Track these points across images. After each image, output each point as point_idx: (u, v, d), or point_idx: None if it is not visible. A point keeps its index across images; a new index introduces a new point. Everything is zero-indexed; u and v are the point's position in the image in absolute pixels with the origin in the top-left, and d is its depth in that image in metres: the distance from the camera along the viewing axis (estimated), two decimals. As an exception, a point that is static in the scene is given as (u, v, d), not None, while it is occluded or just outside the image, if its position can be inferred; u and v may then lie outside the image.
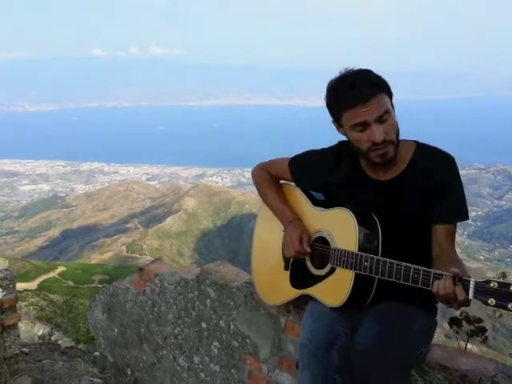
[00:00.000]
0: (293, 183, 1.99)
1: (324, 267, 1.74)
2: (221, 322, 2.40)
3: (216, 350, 2.46)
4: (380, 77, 1.61)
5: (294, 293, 1.87)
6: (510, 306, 1.23)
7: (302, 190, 1.95)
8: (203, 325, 2.51)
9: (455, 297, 1.33)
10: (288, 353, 2.11)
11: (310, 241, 1.80)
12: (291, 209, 1.92)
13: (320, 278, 1.75)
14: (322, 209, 1.82)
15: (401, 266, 1.47)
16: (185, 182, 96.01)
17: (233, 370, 2.38)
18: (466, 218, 1.66)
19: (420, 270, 1.42)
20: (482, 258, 60.00)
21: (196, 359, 2.59)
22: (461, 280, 1.33)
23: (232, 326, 2.35)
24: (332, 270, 1.70)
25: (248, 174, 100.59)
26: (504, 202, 78.15)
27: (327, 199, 1.87)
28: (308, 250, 1.78)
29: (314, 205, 1.87)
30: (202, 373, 2.57)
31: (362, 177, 1.74)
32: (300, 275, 1.85)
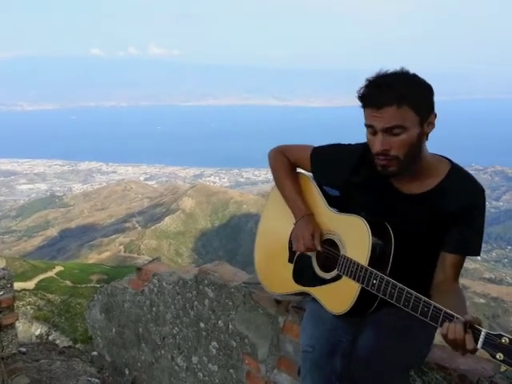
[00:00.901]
0: (310, 174, 1.90)
1: (329, 270, 1.71)
2: (219, 321, 2.40)
3: (214, 350, 2.46)
4: (415, 87, 1.50)
5: (296, 288, 1.85)
6: None
7: (318, 185, 1.87)
8: (201, 325, 2.50)
9: (463, 343, 1.29)
10: (286, 353, 2.10)
11: (321, 240, 1.76)
12: (305, 203, 1.85)
13: (325, 281, 1.72)
14: (337, 211, 1.76)
15: (411, 294, 1.42)
16: (183, 181, 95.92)
17: (231, 370, 2.38)
18: (478, 254, 1.61)
19: (431, 305, 1.38)
20: (479, 258, 59.94)
21: (194, 359, 2.59)
22: (472, 328, 1.29)
23: (230, 326, 2.35)
24: (338, 277, 1.67)
25: (246, 174, 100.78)
26: (501, 203, 78.43)
27: (343, 198, 1.79)
28: (319, 248, 1.73)
29: (329, 204, 1.80)
30: (200, 373, 2.57)
31: (385, 184, 1.65)
32: (304, 272, 1.82)
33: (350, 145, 1.80)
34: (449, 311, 1.35)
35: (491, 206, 76.46)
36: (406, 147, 1.50)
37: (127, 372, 3.15)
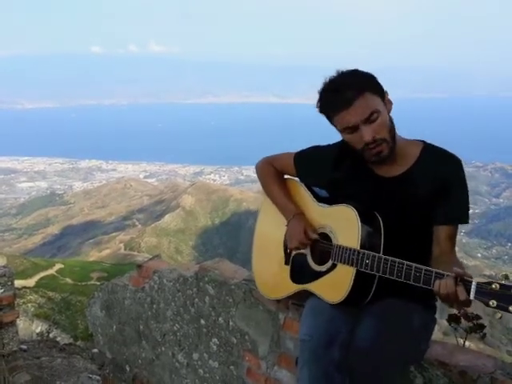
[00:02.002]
0: (297, 179, 1.98)
1: (325, 263, 1.74)
2: (220, 318, 2.40)
3: (215, 347, 2.46)
4: (366, 76, 1.60)
5: (294, 288, 1.87)
6: (510, 309, 1.23)
7: (306, 186, 1.94)
8: (202, 321, 2.51)
9: (456, 297, 1.34)
10: (287, 349, 2.11)
11: (313, 232, 1.81)
12: (295, 203, 1.92)
13: (321, 274, 1.75)
14: (326, 205, 1.81)
15: (402, 264, 1.47)
16: (183, 179, 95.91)
17: (231, 367, 2.39)
18: (467, 221, 1.66)
19: (422, 269, 1.42)
20: (479, 255, 60.12)
21: (195, 356, 2.59)
22: (462, 280, 1.34)
23: (231, 323, 2.35)
24: (333, 267, 1.70)
25: (246, 172, 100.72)
26: (502, 200, 78.36)
27: (331, 196, 1.86)
28: (313, 236, 1.78)
29: (318, 201, 1.86)
30: (200, 369, 2.57)
31: (366, 173, 1.73)
32: (300, 271, 1.85)
33: (328, 145, 1.89)
34: (439, 271, 1.40)
35: (491, 202, 76.54)
36: (386, 127, 1.60)
37: (128, 369, 3.15)
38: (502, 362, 1.67)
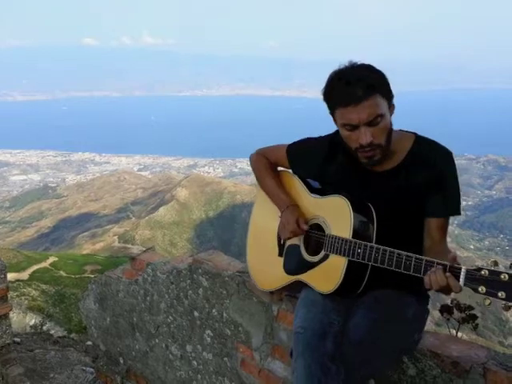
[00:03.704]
0: (290, 170, 1.98)
1: (318, 254, 1.74)
2: (213, 310, 2.40)
3: (209, 339, 2.46)
4: (379, 76, 1.56)
5: (287, 279, 1.88)
6: (499, 295, 1.23)
7: (300, 178, 1.94)
8: (196, 313, 2.51)
9: (447, 286, 1.35)
10: (280, 341, 2.11)
11: (306, 223, 1.81)
12: (288, 195, 1.92)
13: (313, 265, 1.76)
14: (319, 196, 1.82)
15: (393, 252, 1.48)
16: (177, 172, 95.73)
17: (225, 359, 2.39)
18: (458, 213, 1.66)
19: (412, 257, 1.43)
20: (472, 247, 60.57)
21: (189, 348, 2.59)
22: (451, 268, 1.34)
23: (224, 315, 2.35)
24: (325, 257, 1.71)
25: (240, 164, 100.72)
26: (494, 192, 78.87)
27: (323, 188, 1.86)
28: (305, 227, 1.78)
29: (311, 192, 1.86)
30: (194, 361, 2.58)
31: (357, 166, 1.71)
32: (294, 262, 1.86)
33: (320, 137, 1.88)
34: (429, 259, 1.41)
35: (484, 194, 77.03)
36: (385, 133, 1.58)
37: (122, 361, 3.15)
38: (494, 352, 1.68)
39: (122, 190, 76.42)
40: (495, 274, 1.24)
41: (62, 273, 23.26)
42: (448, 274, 1.34)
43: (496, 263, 1.27)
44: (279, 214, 1.91)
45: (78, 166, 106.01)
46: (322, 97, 1.63)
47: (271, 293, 2.13)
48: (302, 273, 1.80)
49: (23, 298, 16.33)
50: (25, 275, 21.08)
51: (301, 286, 1.83)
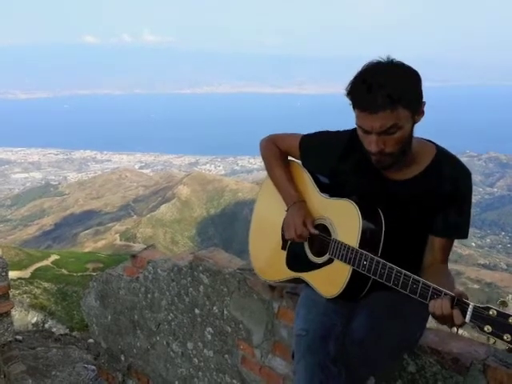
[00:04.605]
0: (300, 162, 1.92)
1: (321, 255, 1.72)
2: (214, 307, 2.41)
3: (209, 336, 2.47)
4: (407, 83, 1.45)
5: (289, 274, 1.86)
6: (505, 337, 1.21)
7: (309, 173, 1.87)
8: (196, 311, 2.51)
9: (451, 319, 1.31)
10: (281, 338, 2.11)
11: (313, 225, 1.76)
12: (296, 189, 1.86)
13: (317, 266, 1.73)
14: (328, 196, 1.76)
15: (400, 273, 1.44)
16: (178, 170, 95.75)
17: (226, 356, 2.39)
18: (465, 237, 1.62)
19: (419, 282, 1.40)
20: (473, 244, 60.48)
21: (189, 345, 2.60)
22: (459, 302, 1.31)
23: (225, 312, 2.35)
24: (330, 261, 1.68)
25: (241, 162, 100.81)
26: (496, 190, 78.79)
27: (332, 185, 1.80)
28: (312, 230, 1.73)
29: (321, 190, 1.80)
30: (195, 358, 2.58)
31: (372, 171, 1.64)
32: (297, 258, 1.83)
33: (338, 132, 1.80)
34: (437, 287, 1.37)
35: (485, 192, 76.88)
36: (400, 144, 1.51)
37: (123, 358, 3.16)
38: (494, 349, 1.68)
39: (124, 187, 76.47)
40: (504, 316, 1.22)
41: (64, 271, 23.28)
42: (455, 306, 1.31)
43: (504, 303, 1.25)
44: (285, 208, 1.85)
45: (79, 164, 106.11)
46: (345, 91, 1.54)
47: (272, 289, 2.14)
48: (305, 271, 1.78)
49: (25, 295, 16.35)
50: (27, 273, 21.10)
51: (301, 281, 1.82)
